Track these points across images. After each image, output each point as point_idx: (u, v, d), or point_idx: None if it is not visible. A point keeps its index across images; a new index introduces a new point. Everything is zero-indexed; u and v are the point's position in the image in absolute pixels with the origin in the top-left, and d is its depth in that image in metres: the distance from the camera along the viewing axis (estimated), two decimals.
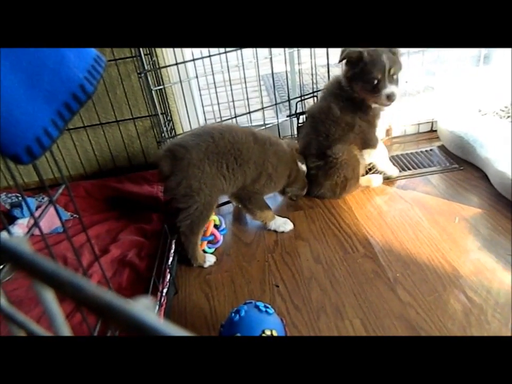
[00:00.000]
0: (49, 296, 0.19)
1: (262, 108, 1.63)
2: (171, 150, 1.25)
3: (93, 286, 0.15)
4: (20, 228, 1.43)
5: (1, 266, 0.86)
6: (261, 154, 1.36)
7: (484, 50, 1.85)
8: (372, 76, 1.40)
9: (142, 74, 1.33)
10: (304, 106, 1.71)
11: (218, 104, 1.61)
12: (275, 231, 1.43)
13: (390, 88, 1.41)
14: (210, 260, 1.32)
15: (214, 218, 1.42)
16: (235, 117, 1.61)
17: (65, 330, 0.20)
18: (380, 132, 1.59)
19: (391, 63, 1.40)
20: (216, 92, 1.58)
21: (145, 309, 0.13)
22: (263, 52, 1.59)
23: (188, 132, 1.41)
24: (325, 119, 1.52)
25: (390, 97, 1.41)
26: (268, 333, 0.90)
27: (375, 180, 1.60)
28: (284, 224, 1.43)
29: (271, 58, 1.56)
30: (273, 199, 1.65)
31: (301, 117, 1.67)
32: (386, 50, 1.43)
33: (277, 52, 1.62)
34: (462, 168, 1.66)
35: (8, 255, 0.17)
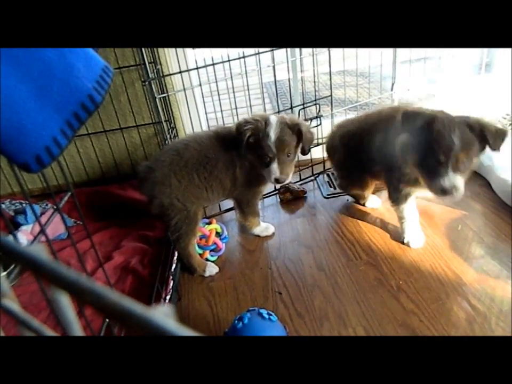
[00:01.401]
0: (66, 303, 0.19)
1: None
2: (140, 173, 1.27)
3: (113, 294, 0.15)
4: (24, 235, 1.43)
5: (9, 270, 0.86)
6: (227, 152, 1.30)
7: (485, 58, 1.86)
8: (433, 156, 1.03)
9: (146, 82, 1.35)
10: (306, 113, 1.72)
11: (221, 111, 1.62)
12: (279, 238, 1.44)
13: (450, 179, 1.03)
14: (211, 270, 1.31)
15: (216, 226, 1.42)
16: None
17: (80, 335, 0.20)
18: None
19: (464, 144, 1.01)
20: (220, 99, 1.59)
21: (165, 316, 0.14)
22: (266, 59, 1.60)
23: (160, 150, 1.39)
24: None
25: (445, 191, 1.04)
26: None
27: (372, 202, 1.55)
28: (266, 229, 1.47)
29: (273, 66, 1.58)
30: (276, 206, 1.66)
31: None
32: (463, 123, 1.03)
33: (280, 59, 1.63)
34: None
35: (29, 262, 0.17)
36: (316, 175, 1.81)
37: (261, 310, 0.97)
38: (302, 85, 1.73)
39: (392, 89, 1.88)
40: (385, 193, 1.41)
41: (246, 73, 1.55)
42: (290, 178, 1.33)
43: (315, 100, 1.67)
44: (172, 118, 1.73)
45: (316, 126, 1.71)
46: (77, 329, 0.20)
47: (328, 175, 1.81)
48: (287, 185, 1.68)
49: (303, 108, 1.67)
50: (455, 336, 0.98)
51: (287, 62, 1.65)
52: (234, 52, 1.50)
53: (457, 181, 1.04)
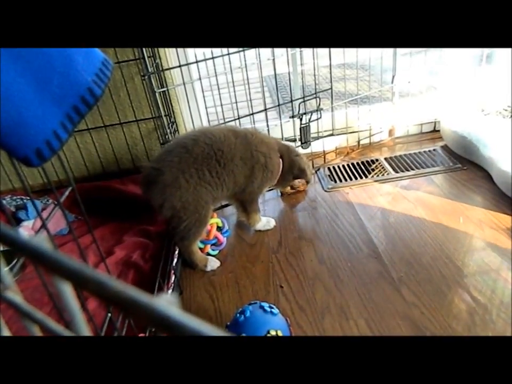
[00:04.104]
0: (69, 293, 0.20)
1: (265, 109, 1.64)
2: (146, 176, 1.22)
3: (117, 283, 0.15)
4: (25, 230, 1.43)
5: (11, 265, 0.86)
6: (246, 147, 1.29)
7: (486, 50, 1.85)
8: None
9: (146, 77, 1.34)
10: (306, 107, 1.71)
11: (221, 105, 1.62)
12: (279, 233, 1.44)
13: None
14: (213, 265, 1.31)
15: (217, 220, 1.42)
16: (238, 118, 1.61)
17: (85, 328, 0.20)
18: None
19: None
20: (219, 93, 1.58)
21: (169, 304, 0.14)
22: (265, 53, 1.59)
23: (164, 147, 1.32)
24: None
25: None
26: (273, 333, 0.91)
27: None
28: (267, 223, 1.47)
29: (273, 59, 1.57)
30: (277, 200, 1.66)
31: (303, 117, 1.68)
32: None
33: (280, 53, 1.62)
34: (465, 168, 1.66)
35: (31, 252, 0.17)
36: (317, 169, 1.81)
37: (263, 303, 0.97)
38: (302, 78, 1.72)
39: (392, 82, 1.87)
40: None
41: (245, 66, 1.54)
42: None
43: (315, 93, 1.66)
44: (171, 113, 1.72)
45: (316, 120, 1.71)
46: (80, 320, 0.20)
47: (328, 168, 1.81)
48: None
49: (303, 101, 1.67)
50: (461, 336, 0.98)
51: (287, 55, 1.64)
52: None
53: None
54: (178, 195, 1.19)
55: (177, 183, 1.18)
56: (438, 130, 1.93)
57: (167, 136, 1.48)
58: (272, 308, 0.96)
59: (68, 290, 0.19)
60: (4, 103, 0.40)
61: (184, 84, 1.51)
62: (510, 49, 1.87)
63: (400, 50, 1.84)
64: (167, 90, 1.64)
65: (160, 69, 1.58)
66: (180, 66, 1.46)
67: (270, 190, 1.70)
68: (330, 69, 1.69)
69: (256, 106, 1.67)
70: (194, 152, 1.21)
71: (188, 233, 1.24)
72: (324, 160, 1.84)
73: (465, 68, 1.95)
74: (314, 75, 1.67)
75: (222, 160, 1.24)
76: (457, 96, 1.88)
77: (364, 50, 1.77)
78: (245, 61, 1.52)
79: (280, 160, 1.44)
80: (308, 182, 1.59)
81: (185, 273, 1.32)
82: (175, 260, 1.28)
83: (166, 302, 0.14)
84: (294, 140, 1.80)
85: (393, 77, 1.86)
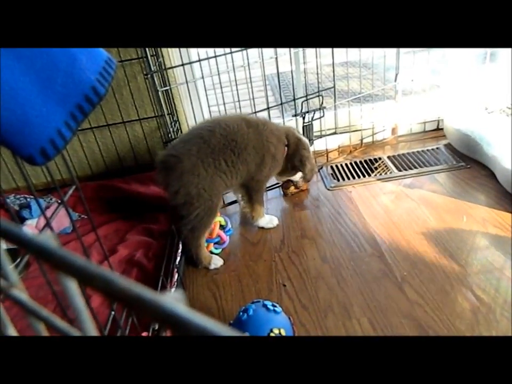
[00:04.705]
0: (75, 291, 0.20)
1: (268, 108, 1.64)
2: (163, 162, 1.23)
3: (123, 279, 0.15)
4: (29, 229, 1.44)
5: (16, 263, 0.86)
6: (257, 136, 1.33)
7: (490, 48, 1.84)
8: None
9: (149, 75, 1.34)
10: (309, 105, 1.71)
11: (224, 104, 1.61)
12: (279, 230, 1.44)
13: None
14: (216, 263, 1.32)
15: (220, 219, 1.42)
16: None
17: (90, 325, 0.20)
18: None
19: None
20: (222, 92, 1.58)
21: (175, 301, 0.14)
22: (268, 51, 1.59)
23: (179, 137, 1.35)
24: None
25: None
26: (276, 331, 0.91)
27: None
28: (270, 221, 1.48)
29: (276, 58, 1.57)
30: (279, 199, 1.66)
31: (306, 115, 1.68)
32: None
33: (282, 51, 1.62)
34: (468, 166, 1.66)
35: (37, 249, 0.17)
36: (320, 167, 1.81)
37: (266, 302, 0.97)
38: (304, 77, 1.72)
39: (395, 80, 1.87)
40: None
41: (248, 65, 1.54)
42: None
43: (318, 92, 1.66)
44: (174, 111, 1.72)
45: (319, 118, 1.70)
46: (86, 317, 0.20)
47: (331, 167, 1.81)
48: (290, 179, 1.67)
49: (306, 100, 1.66)
50: (464, 336, 0.98)
51: (290, 54, 1.64)
52: None
53: None
54: (196, 182, 1.22)
55: (196, 171, 1.21)
56: (442, 129, 1.93)
57: (169, 135, 1.49)
58: (275, 306, 0.96)
59: (73, 288, 0.20)
60: (8, 102, 0.40)
61: (187, 82, 1.51)
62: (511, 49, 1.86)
63: (403, 49, 1.84)
64: (170, 89, 1.64)
65: (163, 67, 1.58)
66: (182, 65, 1.46)
67: (272, 188, 1.70)
68: (333, 67, 1.69)
69: (259, 105, 1.66)
70: (211, 143, 1.24)
71: (199, 222, 1.25)
72: (327, 159, 1.84)
73: (468, 66, 1.94)
74: (317, 73, 1.66)
75: (236, 150, 1.28)
76: (461, 94, 1.87)
77: (367, 48, 1.76)
78: (248, 59, 1.51)
79: (286, 148, 1.46)
80: (305, 179, 1.55)
81: (188, 271, 1.32)
82: (178, 258, 1.28)
83: (173, 299, 0.14)
84: None
85: (396, 75, 1.86)
